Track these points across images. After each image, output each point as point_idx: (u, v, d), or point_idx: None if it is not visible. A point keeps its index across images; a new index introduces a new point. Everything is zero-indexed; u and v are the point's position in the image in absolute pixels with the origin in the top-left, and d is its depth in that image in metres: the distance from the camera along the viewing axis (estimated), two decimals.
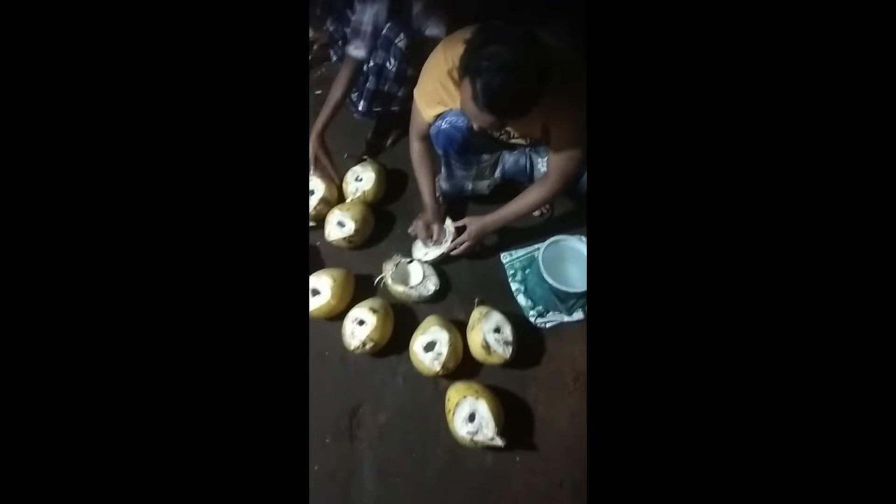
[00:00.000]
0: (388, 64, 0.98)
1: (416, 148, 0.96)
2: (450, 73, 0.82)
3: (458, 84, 0.81)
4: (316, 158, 1.04)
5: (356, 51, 0.96)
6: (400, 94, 1.04)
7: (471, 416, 0.79)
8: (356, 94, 1.08)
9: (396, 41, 0.95)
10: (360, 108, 1.09)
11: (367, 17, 0.93)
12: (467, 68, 0.67)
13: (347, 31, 0.99)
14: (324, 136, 1.03)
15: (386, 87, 1.03)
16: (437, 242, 1.00)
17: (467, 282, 1.02)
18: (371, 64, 0.99)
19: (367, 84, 1.03)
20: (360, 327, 0.87)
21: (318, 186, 1.05)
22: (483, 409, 0.79)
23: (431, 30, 0.98)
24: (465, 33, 0.72)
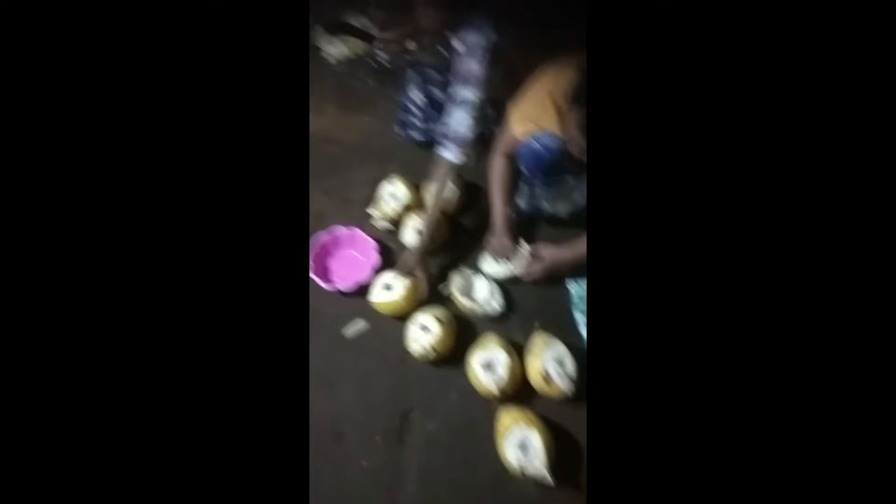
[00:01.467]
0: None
1: (498, 163, 0.96)
2: (551, 94, 0.82)
3: (559, 108, 0.81)
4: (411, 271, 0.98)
5: (450, 154, 0.92)
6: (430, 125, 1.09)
7: (521, 445, 0.79)
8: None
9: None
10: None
11: (457, 120, 0.89)
12: (581, 97, 0.67)
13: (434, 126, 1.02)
14: (426, 255, 1.01)
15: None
16: (508, 261, 1.00)
17: (530, 304, 1.01)
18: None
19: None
20: (424, 334, 0.89)
21: (402, 192, 1.08)
22: (535, 440, 0.78)
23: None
24: (579, 60, 0.71)
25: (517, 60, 0.93)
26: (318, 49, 1.50)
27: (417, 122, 1.20)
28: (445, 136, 0.92)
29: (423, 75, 1.18)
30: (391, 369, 0.94)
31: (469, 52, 0.86)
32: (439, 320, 0.90)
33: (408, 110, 1.21)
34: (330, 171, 1.22)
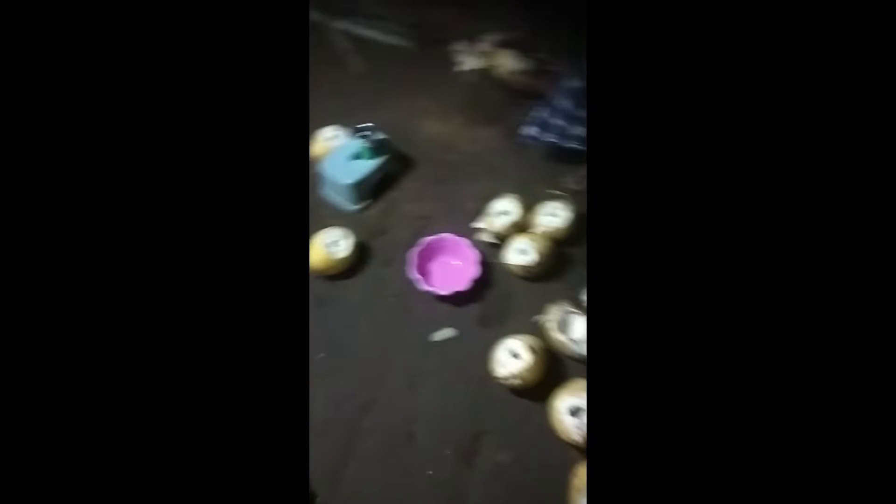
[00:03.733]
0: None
1: None
2: None
3: None
4: None
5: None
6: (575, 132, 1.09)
7: None
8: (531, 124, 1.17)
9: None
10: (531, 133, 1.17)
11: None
12: None
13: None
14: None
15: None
16: None
17: None
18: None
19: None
20: (514, 360, 0.87)
21: (514, 210, 1.07)
22: None
23: None
24: None
25: None
26: (455, 61, 1.55)
27: (559, 126, 1.22)
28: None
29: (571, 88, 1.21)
30: (472, 386, 0.93)
31: None
32: (532, 349, 0.87)
33: (553, 113, 1.24)
34: (446, 178, 1.25)
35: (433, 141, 1.34)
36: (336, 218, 1.15)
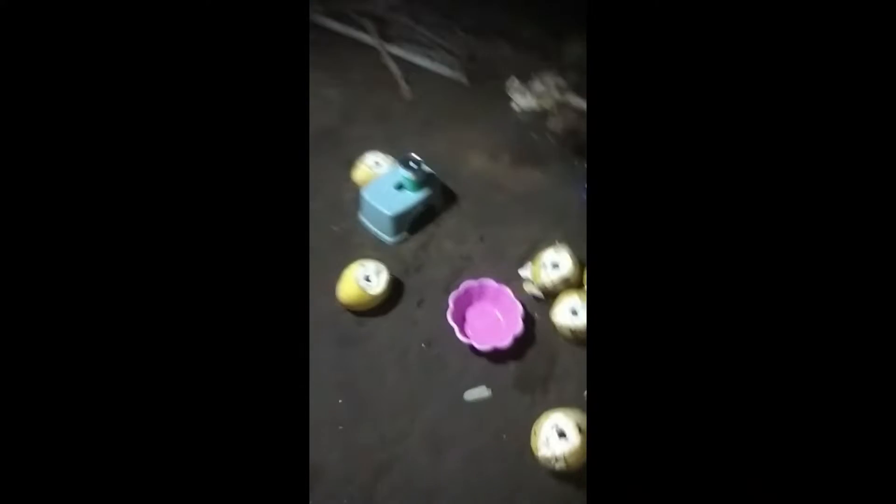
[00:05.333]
0: None
1: None
2: None
3: None
4: None
5: None
6: None
7: None
8: None
9: None
10: None
11: None
12: None
13: None
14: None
15: None
16: None
17: None
18: None
19: None
20: (559, 440, 0.76)
21: (565, 263, 0.98)
22: None
23: None
24: None
25: None
26: (508, 98, 1.51)
27: None
28: None
29: None
30: (506, 459, 0.82)
31: None
32: (580, 429, 0.76)
33: None
34: (491, 218, 1.18)
35: (479, 177, 1.27)
36: (371, 249, 1.08)
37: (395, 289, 1.01)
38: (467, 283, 0.99)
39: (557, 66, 1.55)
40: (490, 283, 1.00)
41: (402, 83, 1.52)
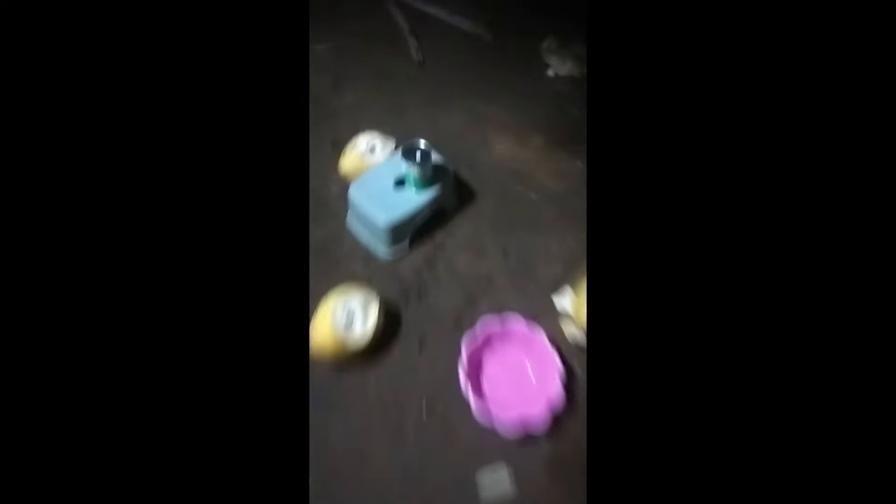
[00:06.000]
0: None
1: None
2: None
3: None
4: None
5: None
6: None
7: None
8: None
9: None
10: None
11: None
12: None
13: None
14: None
15: None
16: None
17: None
18: None
19: None
20: None
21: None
22: None
23: None
24: None
25: None
26: (543, 62, 1.19)
27: None
28: None
29: None
30: None
31: None
32: None
33: None
34: (518, 223, 0.91)
35: (503, 167, 0.99)
36: (359, 264, 0.83)
37: (390, 324, 0.76)
38: (486, 322, 0.74)
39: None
40: (517, 321, 0.74)
41: (411, 39, 1.21)
